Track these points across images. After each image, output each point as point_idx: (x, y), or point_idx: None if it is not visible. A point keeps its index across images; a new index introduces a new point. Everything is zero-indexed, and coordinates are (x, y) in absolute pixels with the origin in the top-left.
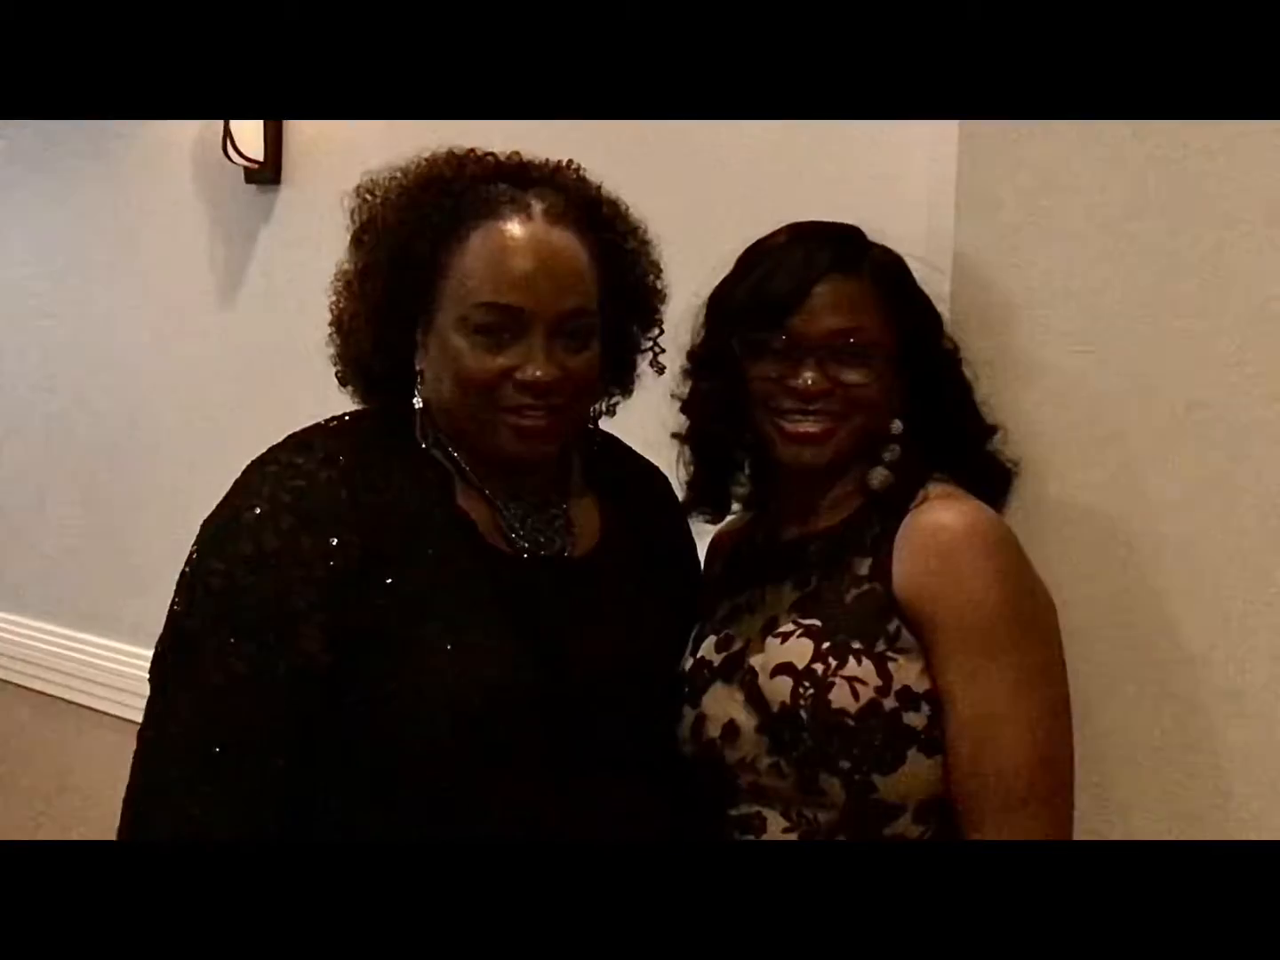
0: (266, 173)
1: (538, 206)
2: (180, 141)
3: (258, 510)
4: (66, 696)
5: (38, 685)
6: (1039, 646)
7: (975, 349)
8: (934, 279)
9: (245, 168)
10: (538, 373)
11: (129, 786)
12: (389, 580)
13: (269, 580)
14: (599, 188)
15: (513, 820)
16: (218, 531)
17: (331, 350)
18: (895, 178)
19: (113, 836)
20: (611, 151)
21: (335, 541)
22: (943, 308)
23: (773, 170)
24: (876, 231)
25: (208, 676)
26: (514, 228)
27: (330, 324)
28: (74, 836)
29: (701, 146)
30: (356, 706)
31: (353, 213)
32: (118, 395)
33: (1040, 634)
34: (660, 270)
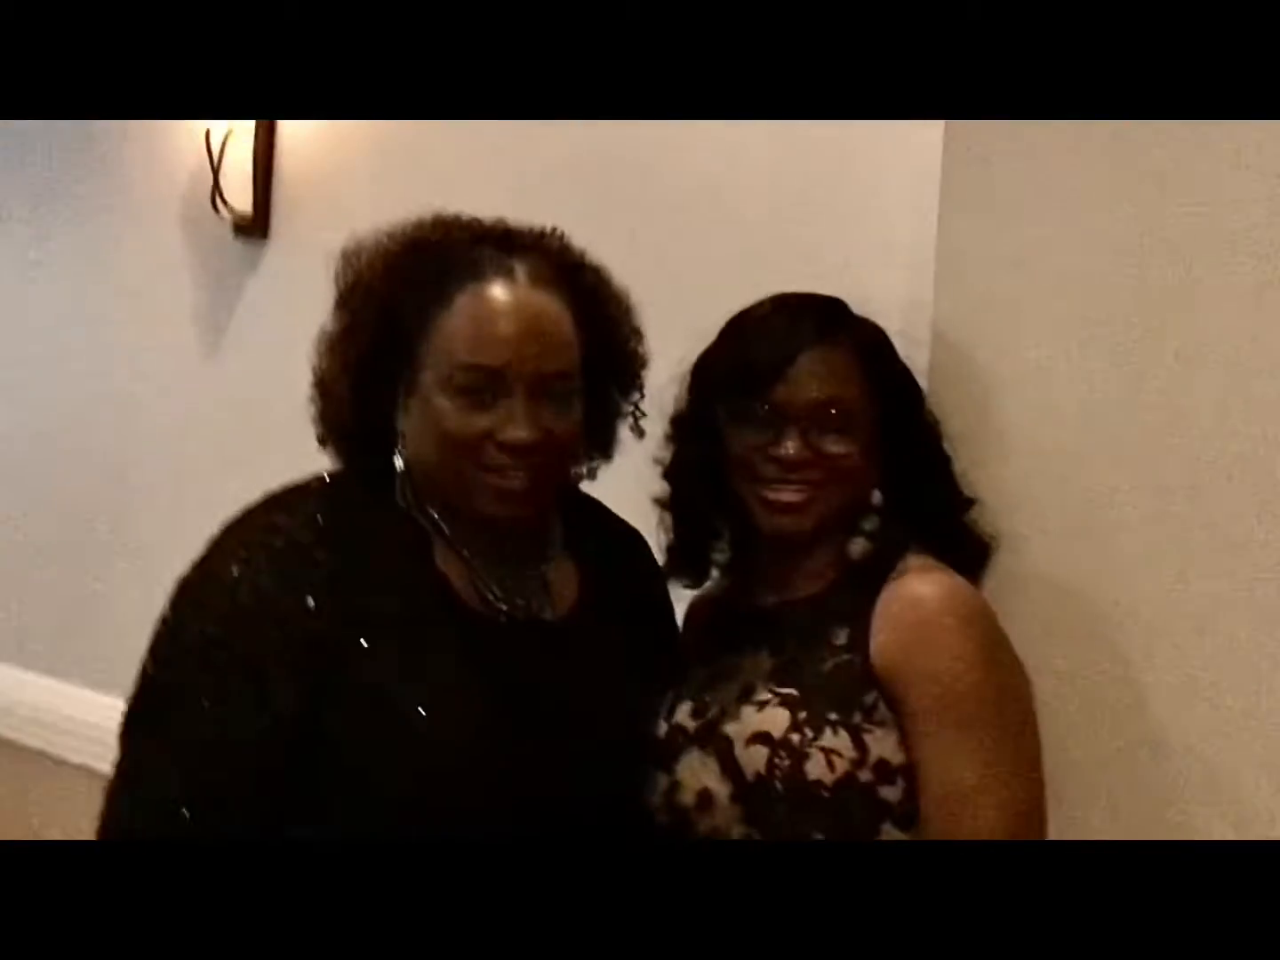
0: (255, 226)
1: (521, 270)
2: (169, 194)
3: (234, 569)
4: (34, 745)
5: (6, 734)
6: (1013, 722)
7: (954, 421)
8: (913, 351)
9: (234, 221)
10: (520, 434)
11: (100, 821)
12: (364, 641)
13: (243, 639)
14: (582, 254)
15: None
16: (193, 589)
17: (312, 410)
18: (877, 246)
19: None
20: (593, 213)
21: (311, 602)
22: (922, 380)
23: (755, 238)
24: (857, 302)
25: (178, 735)
26: (498, 290)
27: (312, 385)
28: None
29: (683, 205)
30: (329, 767)
31: (337, 276)
32: (100, 446)
33: (1015, 709)
34: (641, 335)
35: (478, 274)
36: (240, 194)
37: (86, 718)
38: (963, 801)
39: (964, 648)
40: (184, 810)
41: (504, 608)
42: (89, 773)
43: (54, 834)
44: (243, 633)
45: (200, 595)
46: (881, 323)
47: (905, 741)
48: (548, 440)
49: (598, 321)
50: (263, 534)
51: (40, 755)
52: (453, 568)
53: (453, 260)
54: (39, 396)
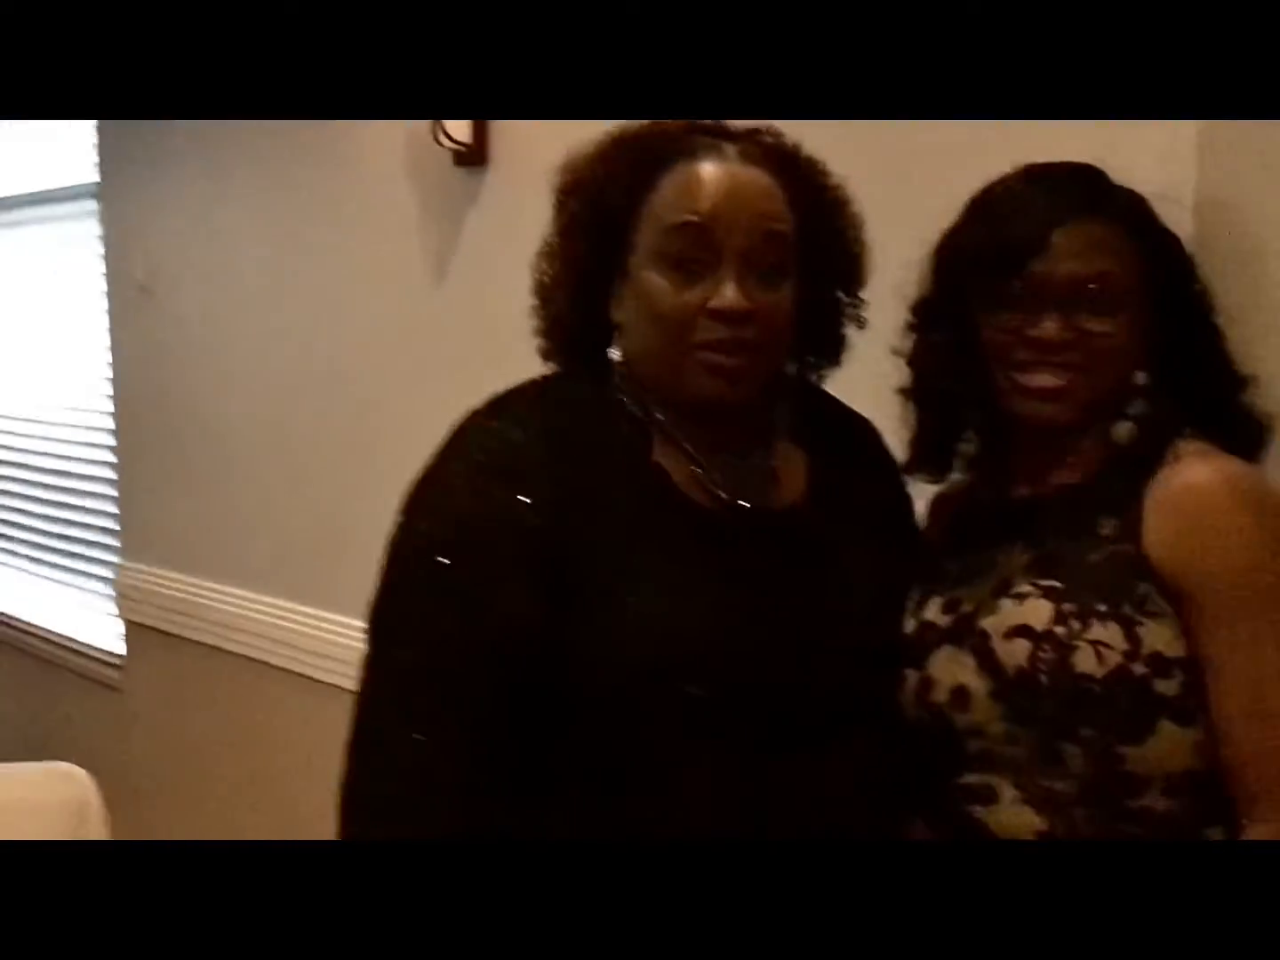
0: (474, 155)
1: (731, 149)
2: (391, 128)
3: (455, 472)
4: (311, 674)
5: (281, 663)
6: None
7: (1223, 293)
8: (1175, 218)
9: (454, 151)
10: (729, 300)
11: (349, 736)
12: (583, 538)
13: (467, 540)
14: (798, 144)
15: (724, 784)
16: (419, 494)
17: (535, 324)
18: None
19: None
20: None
21: (529, 500)
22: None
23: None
24: (1114, 169)
25: (415, 634)
26: (707, 164)
27: (533, 294)
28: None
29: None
30: (559, 666)
31: (555, 189)
32: (333, 375)
33: None
34: (861, 225)
35: (687, 154)
36: (460, 125)
37: (337, 639)
38: (1265, 699)
39: (1255, 535)
40: (428, 702)
41: (726, 498)
42: (339, 691)
43: (306, 748)
44: (465, 534)
45: (424, 500)
46: (1139, 188)
47: (1190, 635)
48: (759, 313)
49: (813, 208)
50: (481, 435)
51: (295, 676)
52: (671, 460)
53: (661, 147)
54: (270, 328)
